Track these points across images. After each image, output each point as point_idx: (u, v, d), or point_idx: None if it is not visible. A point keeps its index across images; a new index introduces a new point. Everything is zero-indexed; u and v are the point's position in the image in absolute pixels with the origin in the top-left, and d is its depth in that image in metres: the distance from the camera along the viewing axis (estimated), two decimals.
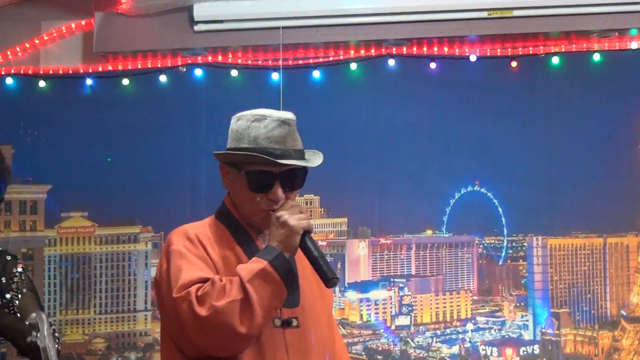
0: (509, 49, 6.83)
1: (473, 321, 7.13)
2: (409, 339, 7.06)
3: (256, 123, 2.80)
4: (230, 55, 6.90)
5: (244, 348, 2.68)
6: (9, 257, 3.94)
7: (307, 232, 2.71)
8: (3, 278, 3.86)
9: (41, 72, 6.98)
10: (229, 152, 2.84)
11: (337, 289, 6.93)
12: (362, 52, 6.90)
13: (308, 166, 2.83)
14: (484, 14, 6.50)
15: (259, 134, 2.78)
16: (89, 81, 7.03)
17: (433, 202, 7.11)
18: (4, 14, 6.94)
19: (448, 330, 7.14)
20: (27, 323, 3.57)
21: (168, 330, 2.79)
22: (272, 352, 2.75)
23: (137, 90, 7.03)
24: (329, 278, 2.67)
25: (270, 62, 6.92)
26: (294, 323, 2.80)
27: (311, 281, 2.90)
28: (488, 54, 6.84)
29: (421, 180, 7.03)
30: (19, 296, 3.85)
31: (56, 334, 3.85)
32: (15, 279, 3.88)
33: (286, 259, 2.65)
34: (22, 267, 3.94)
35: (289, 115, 2.83)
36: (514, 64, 6.81)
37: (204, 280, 2.65)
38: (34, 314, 3.57)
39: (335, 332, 3.09)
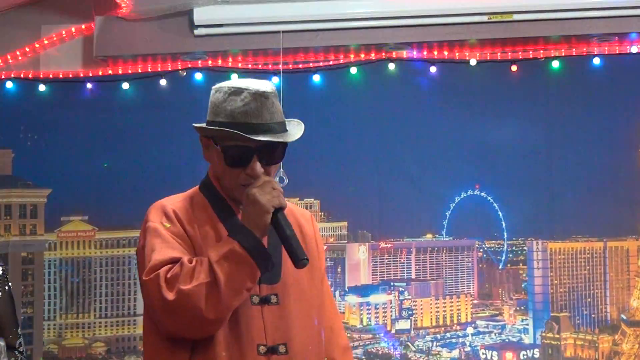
0: (509, 53, 6.83)
1: (473, 325, 7.12)
2: (409, 343, 7.06)
3: (233, 96, 2.76)
4: (230, 59, 6.90)
5: (214, 330, 2.65)
6: None
7: (279, 210, 2.64)
8: None
9: (41, 76, 6.98)
10: (205, 126, 2.81)
11: (337, 292, 6.93)
12: (362, 56, 6.90)
13: (284, 141, 2.76)
14: (484, 18, 6.50)
15: (235, 108, 2.73)
16: (89, 85, 7.03)
17: (433, 206, 7.11)
18: (4, 18, 6.94)
19: (448, 334, 7.14)
20: None
21: (146, 307, 2.79)
22: (249, 329, 2.72)
23: (137, 94, 7.03)
24: (298, 258, 2.61)
25: (270, 66, 6.92)
26: (273, 300, 2.77)
27: None
28: (488, 58, 6.84)
29: (421, 184, 7.03)
30: None
31: (20, 349, 3.88)
32: None
33: (256, 238, 2.60)
34: (2, 270, 3.97)
35: (267, 87, 2.77)
36: (514, 68, 6.81)
37: (176, 261, 2.63)
38: None
39: (329, 310, 3.06)
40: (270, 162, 2.77)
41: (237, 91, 2.75)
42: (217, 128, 2.75)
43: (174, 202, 2.88)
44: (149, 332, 2.79)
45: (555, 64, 6.79)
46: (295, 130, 2.82)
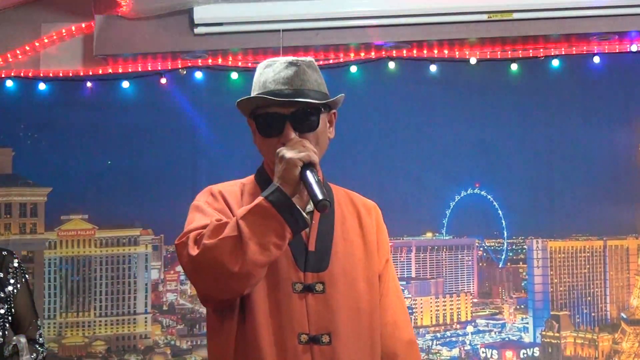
0: (509, 52, 6.83)
1: (473, 324, 7.13)
2: None
3: (267, 69, 2.76)
4: (230, 58, 6.90)
5: (241, 288, 2.59)
6: (5, 252, 4.04)
7: (308, 165, 2.59)
8: (1, 273, 3.94)
9: (41, 74, 6.98)
10: (239, 101, 2.76)
11: None
12: (362, 54, 6.90)
13: (314, 102, 2.72)
14: (484, 17, 6.50)
15: (267, 78, 2.73)
16: (89, 84, 7.03)
17: (433, 204, 7.11)
18: (4, 17, 6.95)
19: (448, 333, 7.14)
20: (9, 347, 3.68)
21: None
22: (291, 317, 2.68)
23: (137, 93, 7.03)
24: (318, 200, 2.52)
25: None
26: (319, 288, 2.72)
27: (353, 243, 2.85)
28: (488, 57, 6.84)
29: (421, 183, 7.03)
30: (15, 292, 3.96)
31: (42, 346, 3.92)
32: (11, 272, 3.99)
33: (283, 192, 2.54)
34: (17, 262, 4.02)
35: (302, 58, 2.77)
36: (514, 66, 6.81)
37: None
38: (14, 338, 3.67)
39: (393, 304, 2.96)
40: (305, 129, 2.72)
41: (271, 63, 2.76)
42: (245, 98, 2.73)
43: (225, 186, 2.88)
44: (207, 315, 2.84)
45: (555, 62, 6.79)
46: (329, 97, 2.79)
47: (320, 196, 2.51)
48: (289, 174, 2.57)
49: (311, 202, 2.60)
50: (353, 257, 2.83)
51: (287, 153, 2.58)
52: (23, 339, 3.66)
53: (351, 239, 2.85)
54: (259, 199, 2.56)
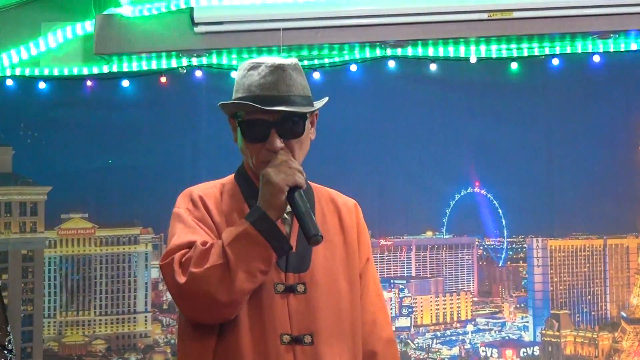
0: (509, 51, 6.83)
1: (473, 322, 7.13)
2: (409, 341, 7.06)
3: (251, 71, 2.71)
4: (230, 57, 6.90)
5: (230, 314, 2.61)
6: None
7: (295, 188, 2.59)
8: None
9: (41, 73, 6.98)
10: (223, 103, 2.74)
11: None
12: (363, 53, 6.90)
13: (298, 111, 2.69)
14: (484, 16, 6.49)
15: (252, 82, 2.69)
16: (89, 83, 7.03)
17: (433, 203, 7.12)
18: (5, 16, 6.94)
19: (448, 332, 7.14)
20: None
21: None
22: (272, 318, 2.67)
23: (137, 92, 7.03)
24: (311, 235, 2.54)
25: None
26: (300, 289, 2.71)
27: (334, 243, 2.84)
28: (488, 56, 6.84)
29: (421, 182, 7.03)
30: None
31: (9, 347, 3.89)
32: None
33: (269, 218, 2.55)
34: None
35: (286, 60, 2.73)
36: (514, 65, 6.81)
37: (193, 244, 2.61)
38: None
39: (372, 302, 2.96)
40: (290, 136, 2.70)
41: (256, 65, 2.72)
42: (231, 102, 2.72)
43: (203, 188, 2.87)
44: (178, 319, 2.82)
45: (555, 61, 6.79)
46: (314, 103, 2.78)
47: (312, 231, 2.54)
48: (275, 200, 2.58)
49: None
50: (334, 256, 2.82)
51: (273, 176, 2.58)
52: None
53: (332, 239, 2.83)
54: (245, 224, 2.57)
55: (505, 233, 7.10)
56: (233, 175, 2.90)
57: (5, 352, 3.91)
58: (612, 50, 6.74)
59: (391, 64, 6.88)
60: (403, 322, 7.11)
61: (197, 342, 2.71)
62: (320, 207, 2.89)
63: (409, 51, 6.86)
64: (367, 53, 6.90)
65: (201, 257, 2.55)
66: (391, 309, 7.12)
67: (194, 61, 6.93)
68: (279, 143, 2.68)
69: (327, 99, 2.86)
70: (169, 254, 2.63)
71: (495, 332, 7.08)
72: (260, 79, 2.69)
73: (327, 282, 2.77)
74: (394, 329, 6.91)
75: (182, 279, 2.55)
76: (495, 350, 6.99)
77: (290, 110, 2.66)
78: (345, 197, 3.04)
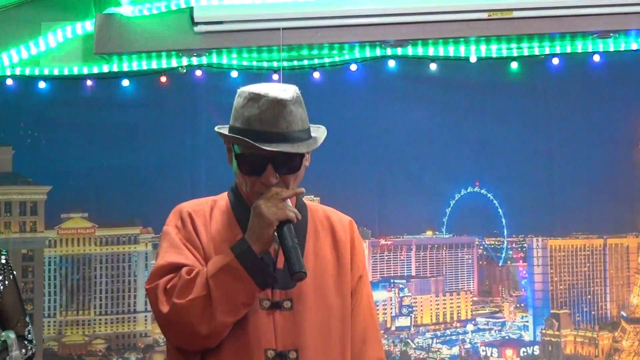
0: (509, 50, 6.83)
1: (473, 322, 7.13)
2: (409, 340, 7.06)
3: (251, 102, 2.67)
4: (230, 57, 6.90)
5: (212, 344, 2.62)
6: None
7: (285, 222, 2.59)
8: None
9: (41, 73, 6.98)
10: (221, 132, 2.74)
11: None
12: (363, 53, 6.90)
13: (296, 152, 2.66)
14: (484, 15, 6.49)
15: (252, 115, 2.65)
16: (89, 82, 7.03)
17: (433, 203, 7.12)
18: (5, 15, 6.94)
19: (448, 331, 7.14)
20: None
21: None
22: (257, 334, 2.66)
23: (137, 91, 7.03)
24: (294, 271, 2.54)
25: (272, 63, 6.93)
26: (286, 305, 2.69)
27: (325, 259, 2.82)
28: (488, 55, 6.84)
29: (421, 181, 7.04)
30: (2, 289, 3.94)
31: (31, 343, 3.91)
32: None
33: (253, 253, 2.56)
34: (5, 259, 4.00)
35: (287, 94, 2.67)
36: (514, 65, 6.81)
37: (176, 267, 2.63)
38: (3, 334, 3.65)
39: (363, 320, 2.89)
40: (287, 171, 2.69)
41: (256, 97, 2.67)
42: (231, 135, 2.69)
43: (194, 205, 2.85)
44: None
45: (555, 61, 6.79)
46: (312, 140, 2.74)
47: (296, 267, 2.55)
48: (264, 233, 2.58)
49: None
50: (325, 272, 2.80)
51: (264, 209, 2.58)
52: (12, 335, 3.65)
53: (324, 255, 2.82)
54: (229, 257, 2.57)
55: (505, 232, 7.10)
56: (227, 192, 2.89)
57: (26, 342, 3.95)
58: (612, 49, 6.74)
59: (391, 63, 6.88)
60: (403, 321, 7.11)
61: (182, 356, 2.72)
62: (313, 224, 2.87)
63: (409, 51, 6.86)
64: (367, 53, 6.90)
65: (184, 288, 2.57)
66: (391, 308, 7.12)
67: (194, 61, 6.93)
68: (274, 179, 2.67)
69: (324, 131, 2.83)
70: (153, 277, 2.64)
71: (495, 331, 7.08)
72: (260, 114, 2.65)
73: (316, 298, 2.75)
74: (394, 328, 6.94)
75: (165, 309, 2.57)
76: (495, 350, 6.99)
77: (288, 152, 2.64)
78: (341, 215, 3.00)
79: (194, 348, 2.66)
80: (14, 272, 4.06)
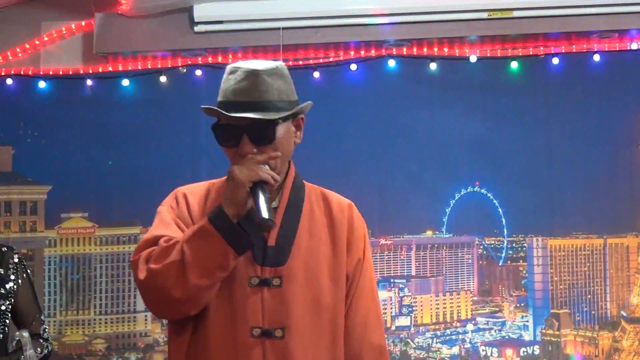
0: (509, 50, 6.83)
1: (473, 322, 7.13)
2: (409, 340, 7.06)
3: (230, 75, 2.70)
4: (230, 56, 6.90)
5: (189, 310, 2.62)
6: (5, 249, 4.03)
7: (259, 183, 2.56)
8: (1, 269, 3.93)
9: (41, 72, 6.98)
10: (202, 107, 2.76)
11: None
12: (362, 52, 6.90)
13: (264, 118, 2.63)
14: (484, 15, 6.50)
15: (228, 87, 2.69)
16: (89, 82, 7.03)
17: (433, 202, 7.12)
18: (4, 15, 6.94)
19: (448, 331, 7.14)
20: (12, 342, 3.67)
21: None
22: (244, 311, 2.65)
23: (137, 91, 7.03)
24: (262, 218, 2.50)
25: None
26: (275, 282, 2.66)
27: (319, 239, 2.78)
28: (488, 55, 6.84)
29: (421, 181, 7.03)
30: (16, 287, 3.95)
31: (47, 341, 3.91)
32: (12, 268, 3.97)
33: (224, 213, 2.54)
34: (18, 257, 4.01)
35: (264, 65, 2.69)
36: (514, 64, 6.81)
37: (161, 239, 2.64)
38: (17, 333, 3.65)
39: (364, 305, 2.83)
40: (262, 142, 2.67)
41: (234, 70, 2.70)
42: (205, 107, 2.73)
43: (191, 187, 2.89)
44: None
45: (555, 60, 6.79)
46: (286, 110, 2.71)
47: (263, 214, 2.51)
48: (235, 195, 2.56)
49: (281, 199, 2.70)
50: (318, 252, 2.76)
51: (237, 172, 2.57)
52: (26, 334, 3.64)
53: (318, 235, 2.78)
54: (204, 221, 2.57)
55: (505, 232, 7.10)
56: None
57: (41, 340, 3.94)
58: (611, 49, 6.74)
59: (391, 63, 6.88)
60: (403, 321, 7.11)
61: (175, 335, 2.74)
62: (309, 203, 2.84)
63: (409, 50, 6.86)
64: (367, 52, 6.90)
65: (161, 254, 2.57)
66: (391, 308, 7.12)
67: (194, 60, 6.93)
68: (249, 149, 2.66)
69: (308, 103, 2.83)
70: (137, 250, 2.65)
71: (495, 331, 7.08)
72: (235, 85, 2.68)
73: (307, 277, 2.71)
74: (394, 328, 6.93)
75: (142, 275, 2.57)
76: (495, 350, 6.99)
77: (252, 117, 2.63)
78: (340, 197, 2.97)
79: (173, 315, 2.68)
80: (28, 271, 4.06)
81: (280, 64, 2.75)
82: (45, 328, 4.03)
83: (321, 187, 2.97)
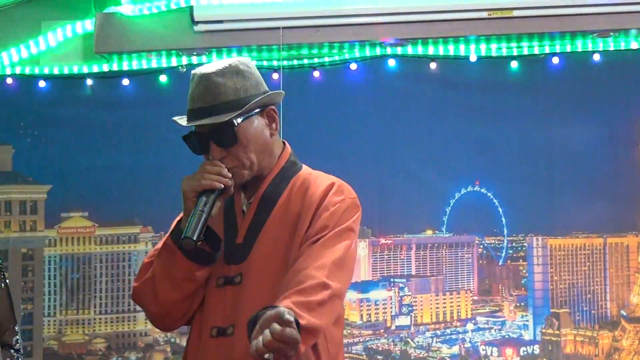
0: (509, 49, 6.82)
1: (473, 321, 7.13)
2: (409, 339, 7.06)
3: (191, 83, 2.71)
4: (230, 56, 6.89)
5: (166, 326, 2.72)
6: None
7: (206, 192, 2.58)
8: None
9: (41, 72, 6.97)
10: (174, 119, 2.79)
11: None
12: (363, 52, 6.90)
13: (215, 122, 2.62)
14: (484, 14, 6.49)
15: (189, 95, 2.71)
16: (89, 81, 7.02)
17: (433, 202, 7.11)
18: (5, 14, 6.94)
19: (448, 331, 7.14)
20: None
21: None
22: (210, 312, 2.67)
23: (137, 90, 7.03)
24: (183, 236, 2.51)
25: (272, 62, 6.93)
26: (237, 280, 2.66)
27: (286, 230, 2.68)
28: (488, 54, 6.84)
29: (421, 181, 7.03)
30: None
31: (18, 352, 3.83)
32: None
33: (178, 228, 2.61)
34: None
35: (214, 66, 2.67)
36: (514, 64, 6.81)
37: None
38: None
39: (306, 250, 2.59)
40: (226, 144, 2.68)
41: (192, 77, 2.71)
42: (172, 119, 2.78)
43: None
44: None
45: (555, 60, 6.79)
46: (239, 107, 2.66)
47: (186, 232, 2.51)
48: (185, 206, 2.62)
49: (256, 194, 2.71)
50: (286, 241, 2.67)
51: (183, 183, 2.64)
52: None
53: (287, 224, 2.70)
54: (167, 235, 2.65)
55: (505, 232, 7.09)
56: None
57: (12, 351, 3.85)
58: (612, 48, 6.74)
59: (391, 62, 6.88)
60: (403, 320, 7.10)
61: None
62: (289, 194, 2.76)
63: (409, 50, 6.85)
64: (367, 52, 6.90)
65: (141, 271, 2.67)
66: (391, 307, 7.12)
67: (194, 60, 6.93)
68: (218, 153, 2.69)
69: (280, 92, 2.80)
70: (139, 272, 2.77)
71: (495, 330, 7.08)
72: (192, 91, 2.69)
73: (265, 270, 2.65)
74: (394, 327, 6.93)
75: (132, 293, 2.71)
76: (495, 349, 6.99)
77: (203, 124, 2.65)
78: (328, 178, 2.81)
79: (165, 329, 2.79)
80: (7, 281, 3.93)
81: (235, 60, 2.72)
82: (19, 339, 3.88)
83: (316, 171, 2.89)
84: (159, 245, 2.69)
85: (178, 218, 2.71)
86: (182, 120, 2.70)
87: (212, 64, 2.70)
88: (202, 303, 2.71)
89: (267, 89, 2.78)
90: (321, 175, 2.84)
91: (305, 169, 2.88)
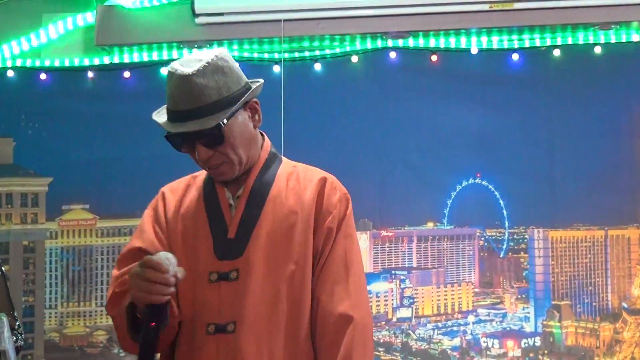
0: (511, 42, 6.82)
1: (474, 313, 7.13)
2: (410, 331, 7.07)
3: (169, 80, 2.66)
4: (231, 48, 6.89)
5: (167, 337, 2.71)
6: None
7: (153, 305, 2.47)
8: None
9: (42, 65, 6.97)
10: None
11: None
12: (364, 44, 6.89)
13: (204, 128, 2.59)
14: (486, 7, 6.49)
15: (168, 94, 2.65)
16: (90, 74, 7.03)
17: (434, 194, 7.11)
18: (5, 7, 6.94)
19: (449, 323, 7.14)
20: None
21: None
22: (203, 309, 2.64)
23: (138, 83, 7.03)
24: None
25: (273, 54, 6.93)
26: (233, 276, 2.63)
27: (284, 224, 2.69)
28: (489, 47, 6.84)
29: (422, 173, 7.03)
30: None
31: (19, 331, 3.84)
32: None
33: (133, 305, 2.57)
34: None
35: (193, 66, 2.61)
36: (515, 56, 6.81)
37: (136, 251, 2.73)
38: None
39: (331, 276, 2.68)
40: (213, 145, 2.65)
41: (170, 74, 2.65)
42: (154, 119, 2.74)
43: (174, 184, 2.94)
44: None
45: (557, 52, 6.79)
46: (224, 112, 2.63)
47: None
48: (135, 299, 2.52)
49: (244, 188, 2.70)
50: (279, 238, 2.68)
51: (131, 286, 2.49)
52: (4, 317, 3.60)
53: (284, 218, 2.70)
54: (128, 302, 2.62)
55: (507, 224, 7.09)
56: None
57: (15, 331, 3.87)
58: (613, 41, 6.73)
59: (392, 55, 6.87)
60: (404, 312, 7.11)
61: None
62: (278, 185, 2.77)
63: (410, 42, 6.85)
64: (369, 44, 6.89)
65: (111, 302, 2.71)
66: (392, 299, 7.13)
67: (195, 52, 6.92)
68: (206, 154, 2.66)
69: (260, 82, 2.76)
70: (117, 262, 2.80)
71: (496, 322, 7.08)
72: (171, 91, 2.63)
73: (265, 266, 2.65)
74: (395, 319, 6.93)
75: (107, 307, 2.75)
76: (496, 341, 7.00)
77: (192, 131, 2.62)
78: (315, 172, 2.86)
79: None
80: (3, 268, 3.95)
81: (212, 55, 2.67)
82: (19, 325, 3.92)
83: (299, 164, 2.89)
84: (116, 273, 2.73)
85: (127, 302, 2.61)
86: (169, 126, 2.65)
87: (189, 61, 2.65)
88: (189, 299, 2.68)
89: (246, 79, 2.75)
90: (309, 169, 2.86)
91: (287, 161, 2.88)
